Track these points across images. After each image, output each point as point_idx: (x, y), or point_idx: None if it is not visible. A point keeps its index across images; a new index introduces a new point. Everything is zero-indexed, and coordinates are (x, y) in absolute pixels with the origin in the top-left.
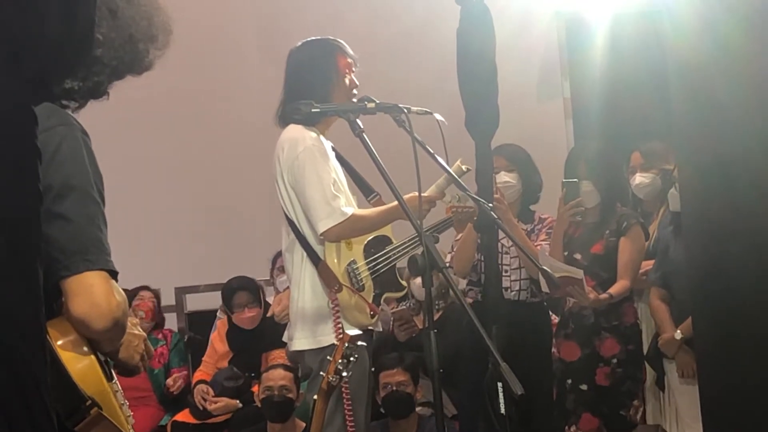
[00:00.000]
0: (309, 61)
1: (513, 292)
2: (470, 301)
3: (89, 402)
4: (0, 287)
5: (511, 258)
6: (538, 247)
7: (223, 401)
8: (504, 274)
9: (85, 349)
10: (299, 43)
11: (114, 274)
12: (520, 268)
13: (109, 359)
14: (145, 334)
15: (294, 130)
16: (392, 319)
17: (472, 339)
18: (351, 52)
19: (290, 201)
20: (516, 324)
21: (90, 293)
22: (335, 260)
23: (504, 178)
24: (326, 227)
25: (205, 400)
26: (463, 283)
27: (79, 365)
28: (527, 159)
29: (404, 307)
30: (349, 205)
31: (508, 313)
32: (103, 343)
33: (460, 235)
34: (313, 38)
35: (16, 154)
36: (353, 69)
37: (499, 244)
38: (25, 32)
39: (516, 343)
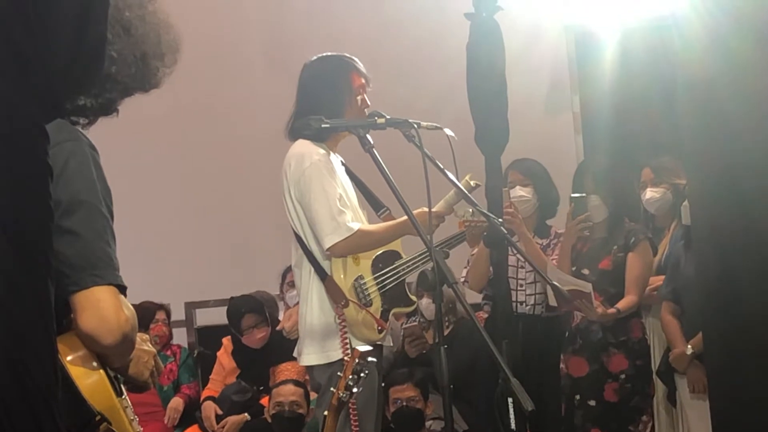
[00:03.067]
0: (323, 77)
1: (528, 307)
2: (485, 315)
3: (98, 417)
4: (12, 305)
5: (526, 272)
6: (553, 262)
7: (228, 422)
8: (519, 288)
9: (95, 364)
10: (314, 58)
11: (123, 289)
12: (536, 283)
13: (118, 375)
14: (154, 350)
15: (302, 146)
16: (403, 335)
17: (484, 354)
18: (365, 71)
19: (297, 216)
20: (530, 338)
21: (98, 308)
22: (342, 275)
23: (519, 192)
24: (332, 242)
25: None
26: (479, 297)
27: (89, 380)
28: (543, 173)
29: (414, 323)
30: (356, 221)
31: (522, 327)
32: (112, 358)
33: (475, 249)
34: (330, 54)
35: (28, 171)
36: (366, 89)
37: (515, 258)
38: (35, 51)
39: (530, 358)
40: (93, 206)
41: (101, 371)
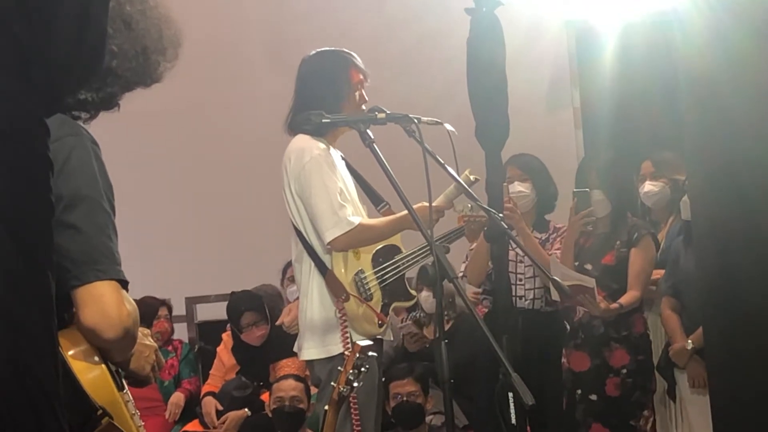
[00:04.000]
0: (321, 72)
1: (527, 301)
2: (484, 310)
3: (100, 411)
4: (13, 300)
5: (525, 267)
6: (556, 256)
7: (229, 418)
8: (518, 282)
9: (96, 359)
10: (312, 53)
11: (124, 284)
12: (534, 277)
13: (120, 369)
14: (155, 345)
15: (302, 141)
16: (401, 334)
17: (484, 349)
18: (363, 66)
19: (297, 211)
20: (530, 333)
21: (100, 303)
22: (342, 270)
23: (517, 188)
24: (333, 237)
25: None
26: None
27: (90, 375)
28: (541, 168)
29: (411, 319)
30: (356, 215)
31: (522, 322)
32: (113, 353)
33: (474, 244)
34: (327, 49)
35: (29, 166)
36: (364, 84)
37: (513, 253)
38: (36, 46)
39: (530, 352)
40: (94, 201)
41: (103, 366)
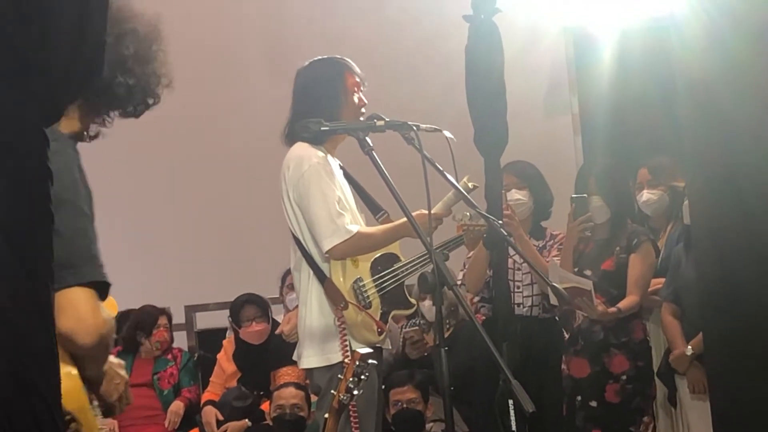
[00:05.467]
0: (317, 81)
1: (525, 308)
2: (482, 318)
3: (68, 417)
4: (14, 310)
5: (522, 274)
6: (555, 260)
7: (229, 428)
8: (516, 290)
9: (68, 364)
10: (306, 63)
11: (106, 285)
12: (532, 284)
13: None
14: (127, 377)
15: (300, 149)
16: (403, 338)
17: (484, 356)
18: (359, 70)
19: (296, 219)
20: (528, 340)
21: (75, 308)
22: (341, 278)
23: (515, 195)
24: (331, 245)
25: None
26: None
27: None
28: (537, 175)
29: (415, 327)
30: (355, 223)
31: (520, 329)
32: (87, 361)
33: (472, 252)
34: (321, 57)
35: (28, 176)
36: (361, 87)
37: (511, 260)
38: (34, 56)
39: (528, 359)
40: (75, 205)
41: (74, 371)
